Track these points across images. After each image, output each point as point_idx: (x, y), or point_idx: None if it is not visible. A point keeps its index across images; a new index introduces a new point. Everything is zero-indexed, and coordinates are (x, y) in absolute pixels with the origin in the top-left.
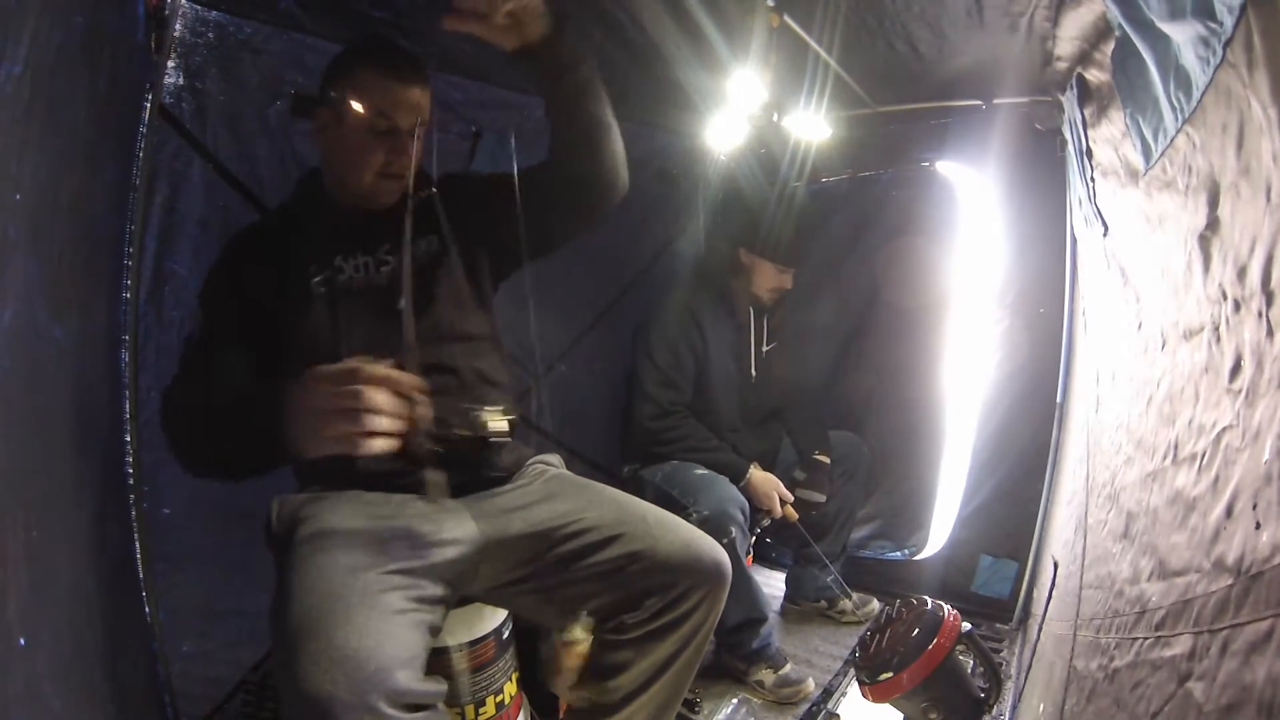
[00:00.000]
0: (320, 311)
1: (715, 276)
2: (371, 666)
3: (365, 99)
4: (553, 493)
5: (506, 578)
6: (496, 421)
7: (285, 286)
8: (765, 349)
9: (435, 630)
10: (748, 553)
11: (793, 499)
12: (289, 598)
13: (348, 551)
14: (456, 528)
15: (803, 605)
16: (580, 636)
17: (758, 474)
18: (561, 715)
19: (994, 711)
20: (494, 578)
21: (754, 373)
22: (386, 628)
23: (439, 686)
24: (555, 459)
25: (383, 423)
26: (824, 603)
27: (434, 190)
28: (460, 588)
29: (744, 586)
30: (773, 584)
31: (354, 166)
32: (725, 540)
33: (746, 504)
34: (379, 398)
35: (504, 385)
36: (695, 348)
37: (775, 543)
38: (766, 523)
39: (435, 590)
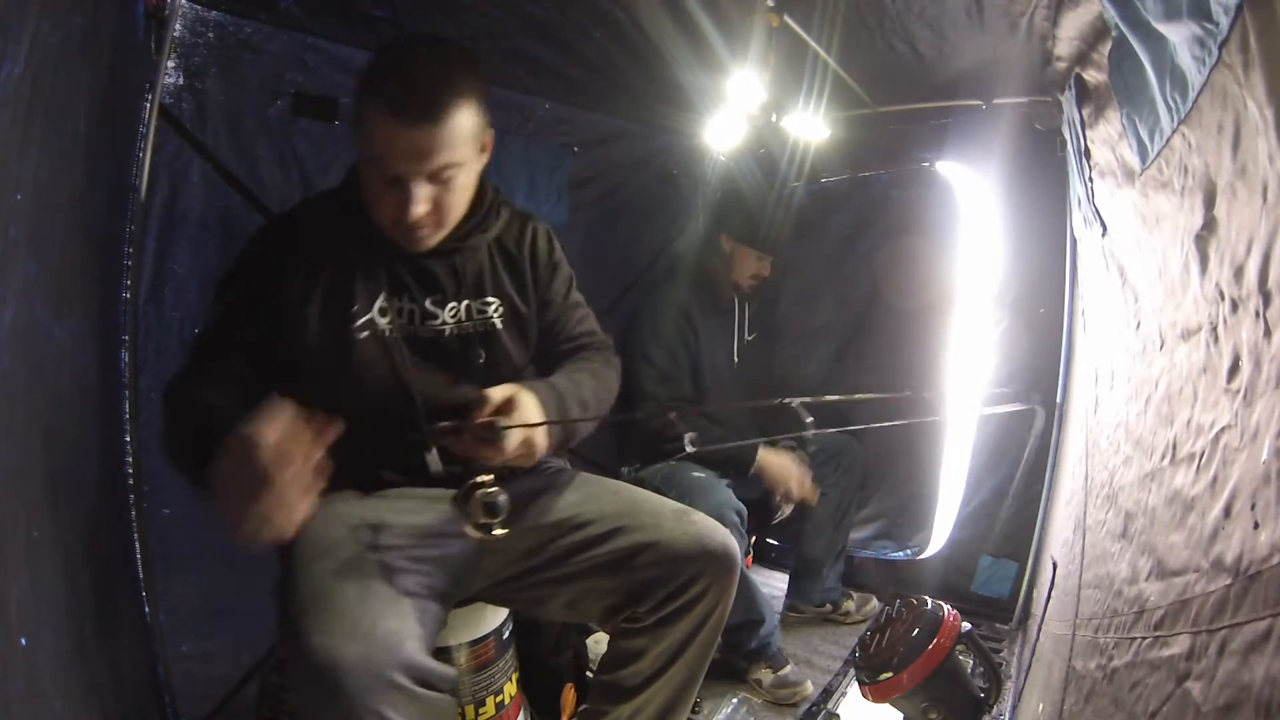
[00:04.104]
0: (351, 353)
1: (698, 265)
2: (383, 630)
3: (368, 138)
4: (556, 486)
5: (508, 572)
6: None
7: (319, 312)
8: (748, 338)
9: (440, 624)
10: (747, 554)
11: (811, 476)
12: (299, 568)
13: (361, 532)
14: (451, 539)
15: (805, 612)
16: None
17: (770, 456)
18: (567, 716)
19: (994, 711)
20: (496, 572)
21: (736, 360)
22: (399, 605)
23: (450, 671)
24: (562, 461)
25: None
26: (828, 606)
27: (491, 240)
28: (463, 583)
29: (742, 589)
30: (773, 584)
31: (372, 207)
32: None
33: (743, 508)
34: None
35: None
36: (688, 341)
37: (778, 542)
38: (788, 509)
39: (441, 582)
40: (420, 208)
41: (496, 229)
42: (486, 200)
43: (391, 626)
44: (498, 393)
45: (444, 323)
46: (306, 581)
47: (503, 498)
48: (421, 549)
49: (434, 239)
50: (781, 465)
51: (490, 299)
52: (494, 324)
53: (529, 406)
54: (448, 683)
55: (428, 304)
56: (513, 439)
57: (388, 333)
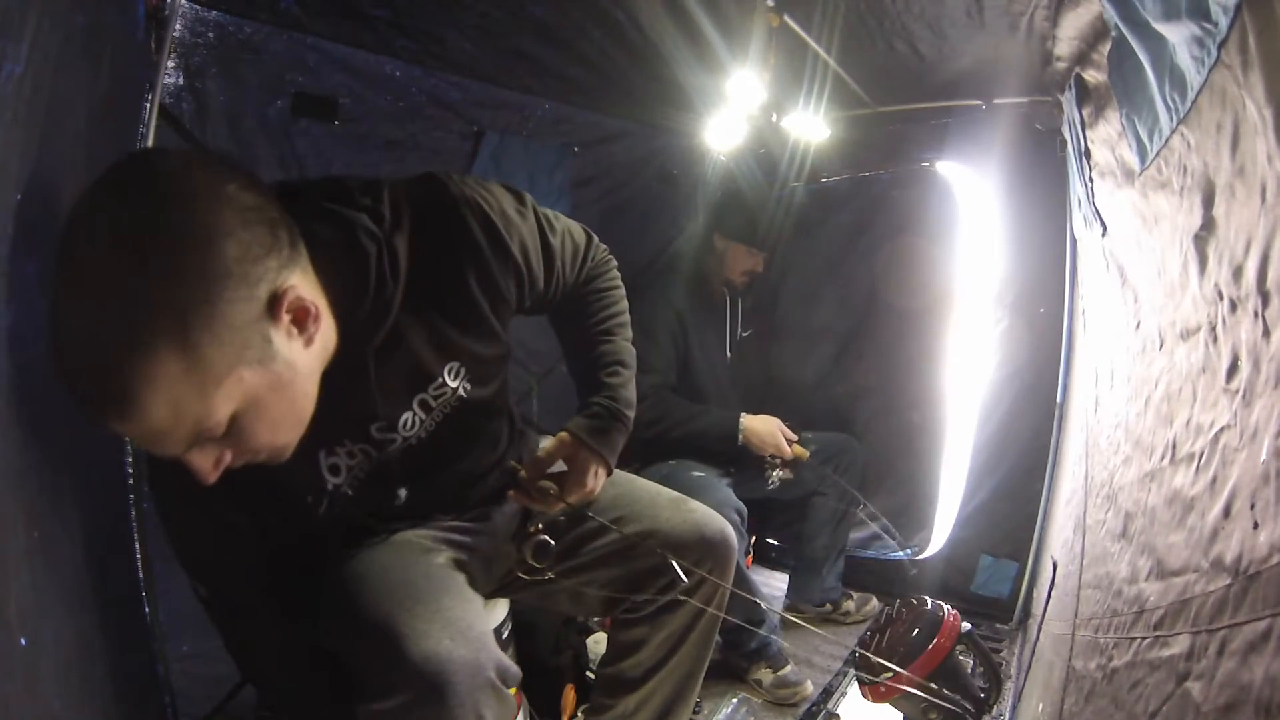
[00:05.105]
0: (338, 523)
1: (691, 263)
2: (479, 629)
3: None
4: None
5: (514, 574)
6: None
7: (284, 510)
8: (742, 334)
9: None
10: (747, 554)
11: (796, 438)
12: (367, 584)
13: (413, 545)
14: (479, 536)
15: (805, 612)
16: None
17: (753, 419)
18: (567, 716)
19: (994, 711)
20: (504, 573)
21: (728, 354)
22: (478, 604)
23: (517, 669)
24: None
25: None
26: (828, 606)
27: (406, 285)
28: (477, 587)
29: (742, 588)
30: (773, 584)
31: None
32: None
33: (743, 507)
34: None
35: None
36: (675, 335)
37: (778, 542)
38: (780, 474)
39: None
40: (210, 476)
41: (404, 264)
42: (371, 271)
43: (483, 627)
44: (548, 451)
45: (405, 437)
46: (388, 589)
47: (552, 544)
48: (458, 553)
49: (286, 452)
50: (766, 428)
51: (439, 378)
52: (460, 395)
53: (584, 465)
54: (515, 680)
55: (374, 435)
56: (561, 500)
57: (356, 486)
